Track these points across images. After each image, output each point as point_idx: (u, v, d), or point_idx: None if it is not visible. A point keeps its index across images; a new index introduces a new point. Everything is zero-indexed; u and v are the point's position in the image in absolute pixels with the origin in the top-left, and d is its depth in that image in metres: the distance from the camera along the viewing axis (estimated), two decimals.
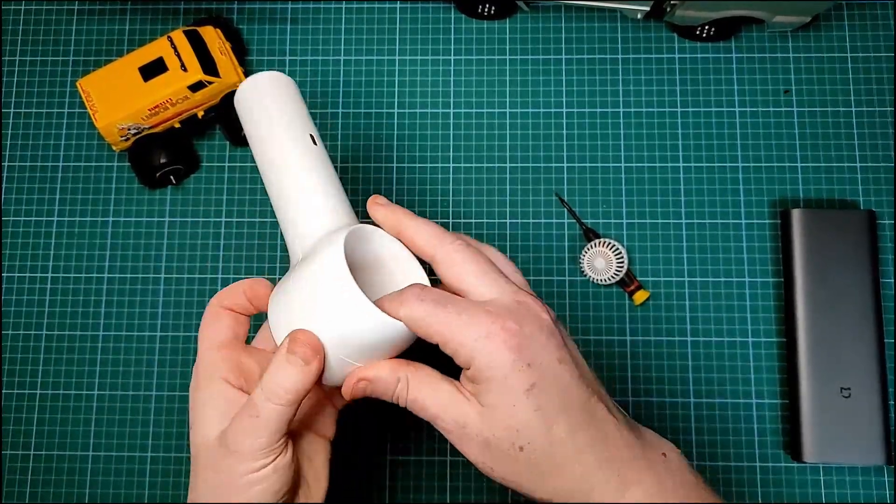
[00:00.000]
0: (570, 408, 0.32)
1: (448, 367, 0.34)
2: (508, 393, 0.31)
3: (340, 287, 0.32)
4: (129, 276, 0.53)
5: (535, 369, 0.31)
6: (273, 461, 0.33)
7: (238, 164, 0.55)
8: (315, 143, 0.39)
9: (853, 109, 0.54)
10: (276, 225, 0.54)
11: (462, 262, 0.34)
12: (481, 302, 0.33)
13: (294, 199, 0.37)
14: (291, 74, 0.56)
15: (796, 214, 0.51)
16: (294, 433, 0.37)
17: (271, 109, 0.39)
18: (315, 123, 0.40)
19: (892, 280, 0.52)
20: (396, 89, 0.56)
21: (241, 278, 0.53)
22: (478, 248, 0.35)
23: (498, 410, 0.31)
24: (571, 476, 0.32)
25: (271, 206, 0.54)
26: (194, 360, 0.52)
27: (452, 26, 0.56)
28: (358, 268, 0.37)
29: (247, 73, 0.55)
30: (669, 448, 0.34)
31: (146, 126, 0.51)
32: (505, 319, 0.32)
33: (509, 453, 0.32)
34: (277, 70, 0.41)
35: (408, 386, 0.33)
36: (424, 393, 0.33)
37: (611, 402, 0.34)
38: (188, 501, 0.36)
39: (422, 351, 0.35)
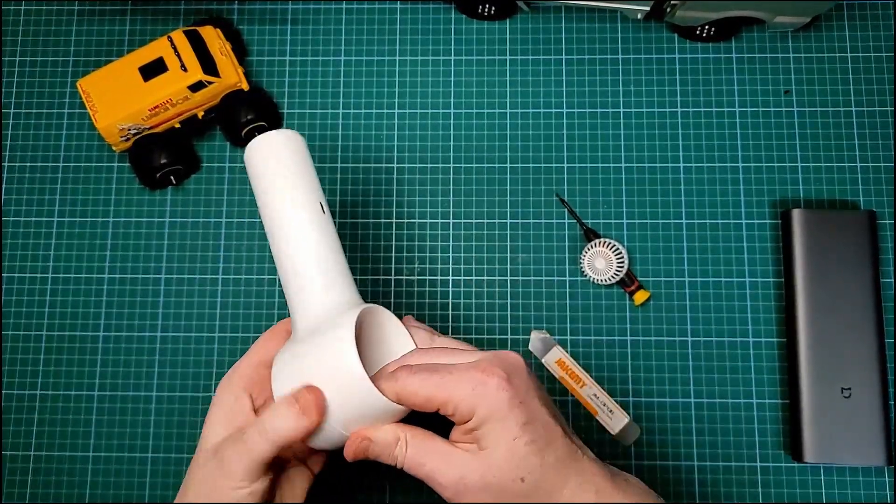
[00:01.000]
0: (554, 440, 0.36)
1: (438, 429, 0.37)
2: (509, 430, 0.35)
3: (351, 375, 0.35)
4: (129, 276, 0.53)
5: (526, 407, 0.35)
6: (251, 487, 0.37)
7: (238, 165, 0.55)
8: (323, 210, 0.39)
9: (853, 110, 0.54)
10: None
11: (433, 360, 0.37)
12: (465, 363, 0.36)
13: (302, 272, 0.38)
14: (291, 74, 0.56)
15: (797, 215, 0.51)
16: (283, 459, 0.40)
17: (283, 174, 0.38)
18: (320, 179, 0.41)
19: (893, 280, 0.52)
20: (397, 89, 0.56)
21: (242, 279, 0.53)
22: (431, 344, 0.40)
23: (499, 448, 0.35)
24: (560, 498, 0.35)
25: None
26: (195, 360, 0.53)
27: (452, 27, 0.56)
28: (357, 333, 0.39)
29: (247, 74, 0.55)
30: (627, 476, 0.38)
31: (146, 126, 0.51)
32: (493, 367, 0.35)
33: (511, 487, 0.35)
34: (290, 131, 0.40)
35: (406, 445, 0.36)
36: (421, 451, 0.36)
37: (572, 433, 0.38)
38: (179, 494, 0.39)
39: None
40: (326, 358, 0.36)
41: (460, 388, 0.35)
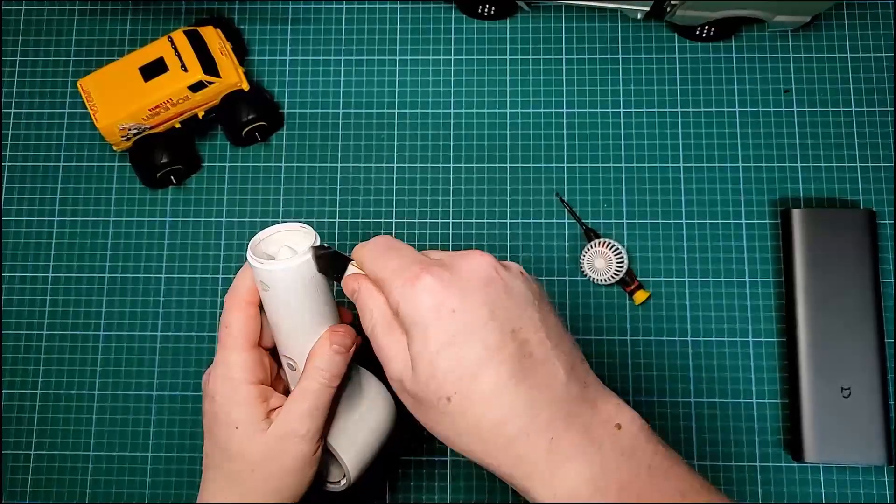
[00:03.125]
0: (500, 360, 0.30)
1: None
2: (430, 341, 0.30)
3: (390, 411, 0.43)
4: (129, 276, 0.54)
5: (459, 317, 0.30)
6: (317, 449, 0.37)
7: (239, 165, 0.55)
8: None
9: (853, 109, 0.54)
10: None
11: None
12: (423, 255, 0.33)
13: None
14: (292, 74, 0.56)
15: (796, 214, 0.51)
16: None
17: (295, 302, 0.38)
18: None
19: (892, 279, 0.52)
20: (397, 89, 0.56)
21: None
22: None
23: (422, 360, 0.30)
24: (501, 433, 0.30)
25: (272, 207, 0.54)
26: (196, 360, 0.52)
27: (453, 26, 0.56)
28: None
29: (248, 74, 0.55)
30: (630, 418, 0.31)
31: (147, 126, 0.51)
32: (433, 266, 0.31)
33: (438, 406, 0.30)
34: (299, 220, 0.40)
35: (374, 318, 0.33)
36: (382, 336, 0.32)
37: (565, 362, 0.31)
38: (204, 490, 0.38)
39: None
40: (380, 416, 0.42)
41: (394, 275, 0.31)
